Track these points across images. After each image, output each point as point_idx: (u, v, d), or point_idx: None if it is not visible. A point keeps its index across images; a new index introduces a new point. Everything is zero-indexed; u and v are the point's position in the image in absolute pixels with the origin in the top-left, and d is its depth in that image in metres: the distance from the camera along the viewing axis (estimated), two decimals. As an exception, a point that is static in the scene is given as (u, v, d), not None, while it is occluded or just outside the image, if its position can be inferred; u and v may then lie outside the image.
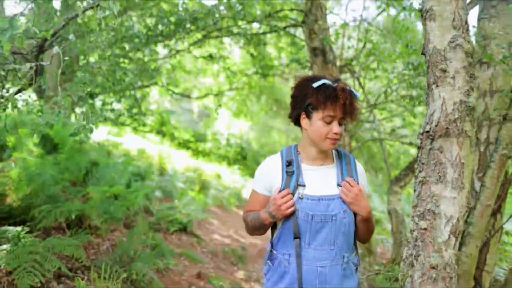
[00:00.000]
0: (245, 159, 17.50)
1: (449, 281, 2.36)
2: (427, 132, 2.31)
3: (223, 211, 8.67)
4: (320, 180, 1.93)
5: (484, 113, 3.50)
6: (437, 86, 2.30)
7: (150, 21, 5.07)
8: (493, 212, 3.43)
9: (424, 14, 2.36)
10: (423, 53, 2.40)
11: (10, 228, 3.45)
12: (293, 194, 1.86)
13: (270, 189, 1.96)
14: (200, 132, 17.61)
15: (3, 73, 2.18)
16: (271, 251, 1.99)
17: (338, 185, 1.92)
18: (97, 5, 2.72)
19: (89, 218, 4.21)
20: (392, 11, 6.89)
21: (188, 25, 4.82)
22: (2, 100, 2.58)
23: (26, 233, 3.37)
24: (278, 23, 6.08)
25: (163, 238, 5.19)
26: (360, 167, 2.04)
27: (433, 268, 2.33)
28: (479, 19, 3.63)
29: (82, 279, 3.30)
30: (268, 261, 2.00)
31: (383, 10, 6.86)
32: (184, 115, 22.73)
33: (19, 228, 3.42)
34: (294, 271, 1.85)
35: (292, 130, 18.00)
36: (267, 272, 2.00)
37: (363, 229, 1.97)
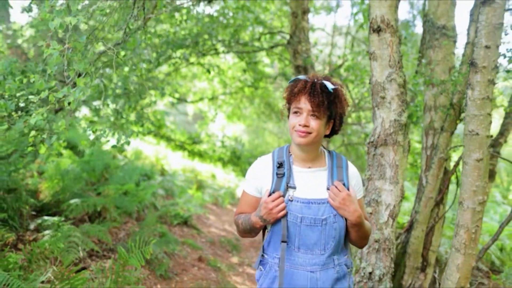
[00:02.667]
0: (239, 159, 18.31)
1: (388, 251, 3.25)
2: (372, 142, 3.20)
3: (218, 208, 9.50)
4: (311, 183, 1.88)
5: (429, 124, 4.36)
6: (378, 108, 3.18)
7: (157, 41, 5.85)
8: (437, 202, 4.29)
9: (370, 55, 3.22)
10: (370, 83, 3.26)
11: (48, 218, 4.28)
12: (283, 196, 1.82)
13: (261, 191, 1.92)
14: (196, 134, 18.33)
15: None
16: (262, 255, 1.95)
17: (328, 188, 1.87)
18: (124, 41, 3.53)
19: (108, 211, 5.02)
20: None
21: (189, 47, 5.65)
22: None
23: (61, 222, 4.21)
24: (266, 43, 6.91)
25: (168, 229, 6.01)
26: (352, 170, 1.98)
27: (376, 241, 3.23)
28: (426, 48, 4.49)
29: (109, 257, 4.13)
30: (260, 266, 1.95)
31: (362, 25, 7.71)
32: (179, 117, 23.44)
33: (56, 218, 4.25)
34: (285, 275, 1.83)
35: (284, 132, 18.82)
36: (259, 278, 1.95)
37: (355, 234, 1.90)
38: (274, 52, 7.45)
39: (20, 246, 3.74)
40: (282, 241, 1.80)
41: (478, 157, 2.75)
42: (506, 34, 3.64)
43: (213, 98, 14.31)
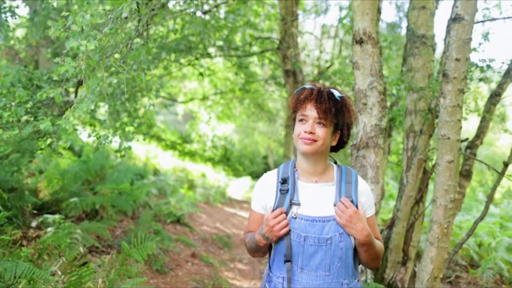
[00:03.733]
0: (229, 160, 18.56)
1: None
2: (355, 144, 3.47)
3: (209, 207, 9.74)
4: (317, 199, 1.79)
5: (410, 127, 4.65)
6: (360, 114, 3.45)
7: (152, 45, 6.06)
8: (417, 201, 4.58)
9: (353, 65, 3.49)
10: (353, 90, 3.54)
11: (49, 216, 4.49)
12: (286, 213, 1.75)
13: (266, 208, 1.86)
14: (186, 134, 18.52)
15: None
16: (268, 274, 1.88)
17: (335, 205, 1.76)
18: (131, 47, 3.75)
19: (105, 210, 5.23)
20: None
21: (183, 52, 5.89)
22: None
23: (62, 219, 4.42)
24: (256, 48, 7.18)
25: (162, 227, 6.24)
26: (363, 186, 1.86)
27: (358, 236, 3.48)
28: (407, 56, 4.77)
29: (108, 253, 4.36)
30: (266, 283, 1.88)
31: (348, 30, 8.00)
32: (169, 116, 23.60)
33: (56, 216, 4.46)
34: None
35: (273, 133, 19.11)
36: None
37: (364, 255, 1.78)
38: (265, 54, 7.71)
39: (24, 242, 3.95)
40: (286, 261, 1.74)
41: (449, 159, 3.03)
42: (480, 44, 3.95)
43: (203, 99, 14.50)
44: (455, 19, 2.94)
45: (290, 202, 1.77)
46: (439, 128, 3.09)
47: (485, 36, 4.00)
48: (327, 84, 1.96)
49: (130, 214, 5.99)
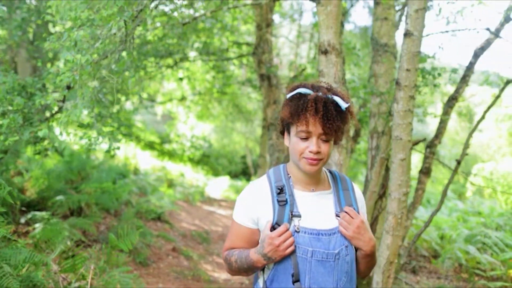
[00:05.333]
0: (208, 157, 18.87)
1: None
2: (320, 145, 3.84)
3: (189, 205, 10.06)
4: (317, 209, 1.64)
5: (374, 128, 5.07)
6: (325, 117, 3.83)
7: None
8: (380, 196, 5.00)
9: (319, 73, 3.87)
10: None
11: (37, 213, 4.75)
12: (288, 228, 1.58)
13: (257, 222, 1.66)
14: (165, 134, 18.73)
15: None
16: None
17: (337, 215, 1.64)
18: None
19: (90, 207, 5.51)
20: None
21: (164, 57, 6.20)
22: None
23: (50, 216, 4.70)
24: (234, 53, 7.54)
25: (143, 224, 6.54)
26: (358, 192, 1.76)
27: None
28: (372, 63, 5.19)
29: (94, 246, 4.65)
30: None
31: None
32: (147, 116, 23.74)
33: (44, 213, 4.73)
34: None
35: (251, 132, 19.47)
36: None
37: (365, 265, 1.70)
38: (241, 60, 8.08)
39: (15, 237, 4.21)
40: (295, 281, 1.56)
41: (402, 157, 3.44)
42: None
43: (182, 99, 14.75)
44: (406, 34, 3.35)
45: (291, 214, 1.59)
46: (393, 130, 3.49)
47: (439, 47, 4.46)
48: (323, 85, 1.64)
49: (113, 212, 6.27)
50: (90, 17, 2.53)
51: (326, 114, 1.51)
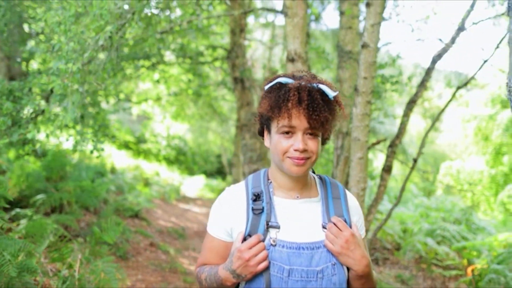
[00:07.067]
0: (184, 156, 19.08)
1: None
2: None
3: (165, 203, 10.33)
4: (300, 220, 1.43)
5: (339, 129, 5.47)
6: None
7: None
8: (344, 192, 5.41)
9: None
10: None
11: (20, 210, 4.97)
12: (263, 240, 1.37)
13: (231, 233, 1.46)
14: (141, 134, 18.85)
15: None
16: None
17: (324, 227, 1.42)
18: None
19: (70, 205, 5.74)
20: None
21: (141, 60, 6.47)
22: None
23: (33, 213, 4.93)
24: (208, 56, 7.86)
25: (122, 220, 6.79)
26: (353, 201, 1.54)
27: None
28: (337, 68, 5.60)
29: (76, 241, 4.90)
30: None
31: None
32: (123, 115, 23.74)
33: (27, 210, 4.96)
34: None
35: (226, 132, 19.77)
36: None
37: None
38: (214, 64, 8.43)
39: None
40: None
41: (360, 156, 3.84)
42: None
43: (157, 99, 14.94)
44: (363, 46, 3.75)
45: (267, 225, 1.39)
46: (352, 131, 3.89)
47: (398, 56, 4.88)
48: (306, 74, 1.44)
49: (93, 209, 6.50)
50: (78, 30, 2.81)
51: (311, 104, 1.30)
